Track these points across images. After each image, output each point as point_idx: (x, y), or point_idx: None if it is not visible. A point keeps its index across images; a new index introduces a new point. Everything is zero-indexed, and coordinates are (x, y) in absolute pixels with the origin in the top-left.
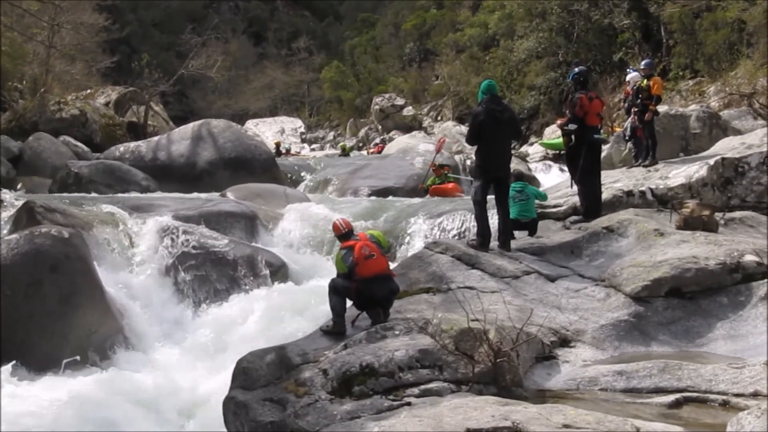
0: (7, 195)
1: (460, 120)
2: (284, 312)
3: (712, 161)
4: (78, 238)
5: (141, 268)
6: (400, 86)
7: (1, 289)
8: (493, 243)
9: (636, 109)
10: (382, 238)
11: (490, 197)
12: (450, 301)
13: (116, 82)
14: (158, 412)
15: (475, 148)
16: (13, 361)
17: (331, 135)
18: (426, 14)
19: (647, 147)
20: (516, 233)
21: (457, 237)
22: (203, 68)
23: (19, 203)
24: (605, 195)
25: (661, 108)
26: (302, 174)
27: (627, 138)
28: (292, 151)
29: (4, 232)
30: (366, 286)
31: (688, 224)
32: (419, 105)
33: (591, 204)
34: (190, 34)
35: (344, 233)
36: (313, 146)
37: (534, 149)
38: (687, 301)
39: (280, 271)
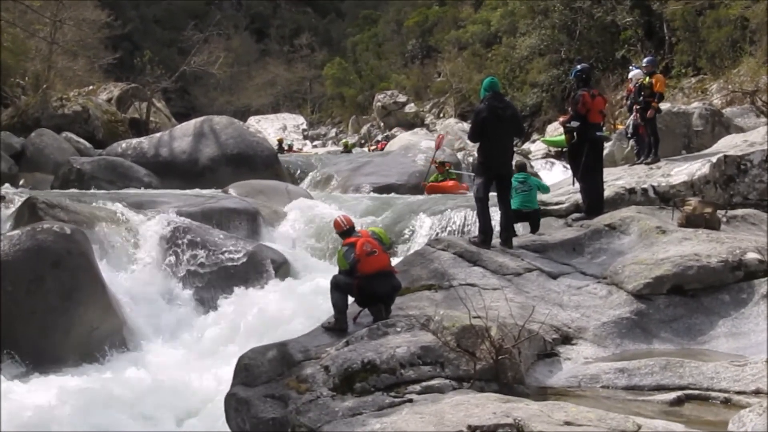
0: (9, 191)
1: (462, 117)
2: (286, 309)
3: (714, 159)
4: (80, 234)
5: (143, 265)
6: (403, 83)
7: (2, 285)
8: (495, 240)
9: (638, 107)
10: (383, 235)
11: (493, 194)
12: (452, 298)
13: (118, 78)
14: (160, 408)
15: (477, 145)
16: (15, 358)
17: (333, 132)
18: (428, 11)
19: (649, 144)
20: (518, 230)
21: (459, 234)
22: (205, 65)
23: (22, 199)
24: (607, 192)
25: (664, 105)
26: (304, 171)
27: (629, 135)
28: (294, 148)
29: (7, 227)
30: (368, 282)
31: (690, 222)
32: (421, 102)
33: (593, 201)
34: (192, 31)
35: (346, 230)
36: (315, 143)
37: (536, 146)
38: (689, 299)
39: (281, 268)
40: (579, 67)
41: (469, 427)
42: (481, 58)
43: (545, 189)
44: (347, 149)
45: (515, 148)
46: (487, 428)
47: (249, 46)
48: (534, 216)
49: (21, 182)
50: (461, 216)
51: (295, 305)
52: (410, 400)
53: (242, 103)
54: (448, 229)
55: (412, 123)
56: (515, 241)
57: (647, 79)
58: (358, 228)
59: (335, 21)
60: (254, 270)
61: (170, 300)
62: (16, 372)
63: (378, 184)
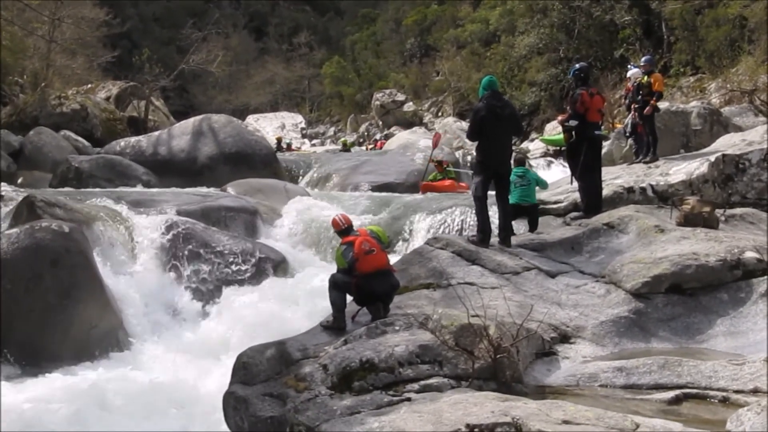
0: (8, 189)
1: (460, 116)
2: (284, 307)
3: (712, 158)
4: (78, 232)
5: (141, 263)
6: (401, 82)
7: (1, 283)
8: (494, 239)
9: (636, 106)
10: (382, 234)
11: (491, 193)
12: (450, 297)
13: (117, 76)
14: (158, 407)
15: (475, 143)
16: (13, 356)
17: (331, 130)
18: (427, 10)
19: (648, 143)
20: (516, 229)
21: (458, 233)
22: (204, 63)
23: (20, 198)
24: (606, 191)
25: (662, 105)
26: (303, 169)
27: (628, 134)
28: (293, 147)
29: (4, 225)
30: (366, 281)
31: (689, 221)
32: (420, 101)
33: (591, 200)
34: (190, 29)
35: (344, 229)
36: (314, 142)
37: (535, 145)
38: (687, 298)
39: (280, 266)
40: (577, 66)
41: (468, 425)
42: (479, 57)
43: (543, 184)
44: (346, 148)
45: (514, 147)
46: (485, 427)
47: (248, 45)
48: (532, 210)
49: (19, 180)
50: (460, 215)
51: (293, 304)
52: (408, 399)
53: (241, 101)
54: (444, 227)
55: (410, 122)
56: (514, 240)
57: (645, 78)
58: (356, 227)
59: (334, 19)
60: (252, 268)
61: (168, 298)
62: (14, 370)
63: (376, 183)
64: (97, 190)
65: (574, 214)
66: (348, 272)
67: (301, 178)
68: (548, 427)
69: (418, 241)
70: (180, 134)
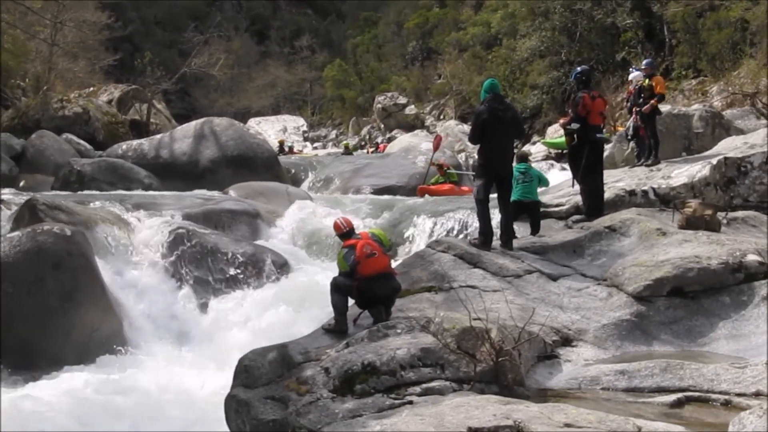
0: (8, 194)
1: (462, 119)
2: (286, 310)
3: (714, 161)
4: (80, 235)
5: (143, 266)
6: (403, 85)
7: (2, 286)
8: (496, 242)
9: (638, 109)
10: (383, 237)
11: (493, 196)
12: (452, 300)
13: (119, 79)
14: (160, 410)
15: (477, 147)
16: (15, 359)
17: (333, 133)
18: (428, 13)
19: (650, 146)
20: (518, 232)
21: (460, 236)
22: (206, 66)
23: (21, 202)
24: (607, 194)
25: (664, 107)
26: (305, 172)
27: (629, 137)
28: (295, 150)
29: (7, 228)
30: (367, 284)
31: (691, 224)
32: (421, 104)
33: (593, 203)
34: (192, 32)
35: (345, 232)
36: (316, 145)
37: (536, 148)
38: (689, 301)
39: (281, 269)
40: (579, 69)
41: (470, 428)
42: (481, 60)
43: (545, 182)
44: (348, 151)
45: (515, 150)
46: (487, 430)
47: (249, 48)
48: (534, 208)
49: (21, 183)
50: (461, 217)
51: (295, 307)
52: (410, 402)
53: (242, 104)
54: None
55: (412, 125)
56: (515, 243)
57: (647, 81)
58: (357, 230)
59: (336, 23)
60: (254, 271)
61: (170, 301)
62: (16, 373)
63: (378, 186)
64: (99, 193)
65: (575, 217)
66: (350, 275)
67: (303, 181)
68: (550, 430)
69: (419, 245)
70: (182, 137)
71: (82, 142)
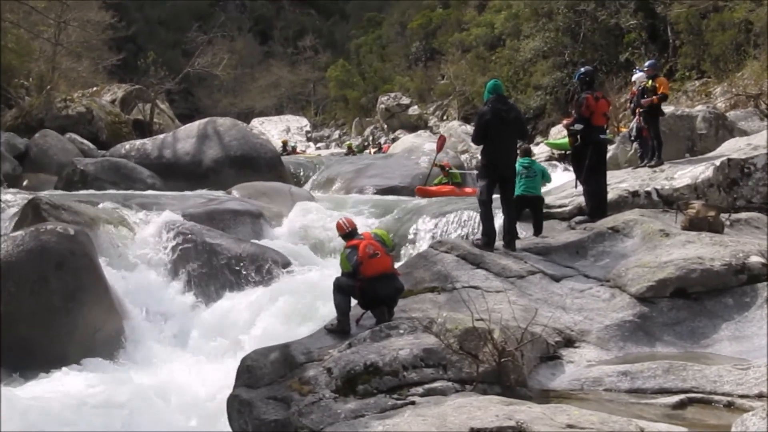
0: (8, 196)
1: (465, 119)
2: (288, 310)
3: (718, 162)
4: (83, 235)
5: (146, 266)
6: (406, 85)
7: (5, 285)
8: (498, 243)
9: (641, 110)
10: (386, 237)
11: (496, 196)
12: (455, 301)
13: (122, 79)
14: (162, 410)
15: (480, 147)
16: (18, 358)
17: (336, 134)
18: (432, 14)
19: (653, 147)
20: (520, 233)
21: (463, 237)
22: (209, 66)
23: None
24: (611, 195)
25: (668, 108)
26: (308, 173)
27: (633, 138)
28: (298, 150)
29: (11, 227)
30: (370, 285)
31: (694, 225)
32: (425, 104)
33: (596, 204)
34: (196, 32)
35: (348, 232)
36: (319, 145)
37: (539, 149)
38: (692, 302)
39: (284, 269)
40: (582, 69)
41: (472, 429)
42: (484, 61)
43: (548, 177)
44: (351, 151)
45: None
46: (489, 431)
47: (253, 48)
48: (537, 203)
49: (24, 183)
50: (464, 218)
51: (297, 306)
52: (413, 403)
53: (246, 104)
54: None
55: (415, 125)
56: (518, 244)
57: (650, 82)
58: (360, 230)
59: (339, 23)
60: (257, 271)
61: (173, 301)
62: (18, 372)
63: (381, 187)
64: (102, 192)
65: (578, 218)
66: (352, 276)
67: (306, 181)
68: (552, 431)
69: (422, 245)
70: (185, 137)
71: (85, 141)
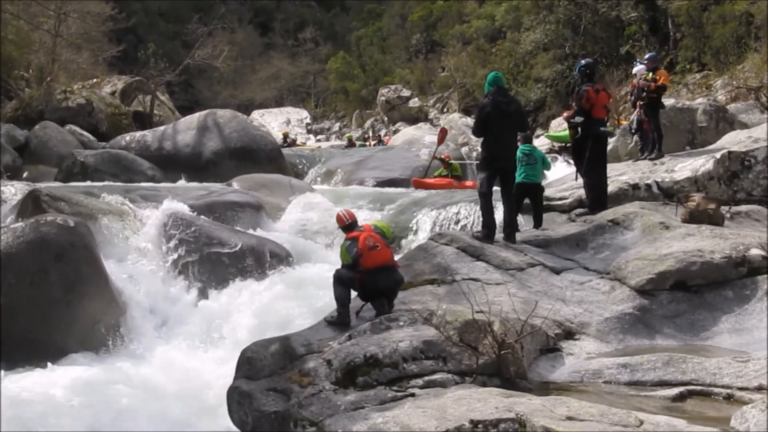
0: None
1: (466, 112)
2: (289, 302)
3: (718, 155)
4: (83, 226)
5: (146, 258)
6: (407, 78)
7: (5, 277)
8: (498, 235)
9: (642, 102)
10: (386, 229)
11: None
12: (454, 293)
13: (122, 71)
14: (162, 401)
15: (481, 140)
16: (17, 350)
17: (336, 126)
18: (433, 6)
19: (653, 140)
20: (521, 225)
21: (462, 229)
22: (209, 58)
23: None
24: (611, 188)
25: (668, 101)
26: (308, 165)
27: (633, 131)
28: (298, 142)
29: (10, 219)
30: (370, 277)
31: (694, 217)
32: (425, 97)
33: (596, 196)
34: (196, 24)
35: (348, 224)
36: (319, 137)
37: (540, 142)
38: (692, 295)
39: (284, 261)
40: (583, 62)
41: (472, 421)
42: (485, 53)
43: (548, 165)
44: (352, 143)
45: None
46: (489, 423)
47: (253, 40)
48: (537, 191)
49: (24, 175)
50: (464, 211)
51: (297, 299)
52: (412, 395)
53: (246, 96)
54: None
55: (415, 117)
56: (518, 236)
57: (650, 75)
58: (361, 222)
59: (339, 15)
60: (257, 263)
61: (173, 293)
62: (18, 363)
63: (381, 179)
64: (103, 184)
65: (579, 210)
66: (352, 268)
67: (306, 173)
68: (552, 424)
69: (422, 237)
70: (185, 129)
71: (85, 133)
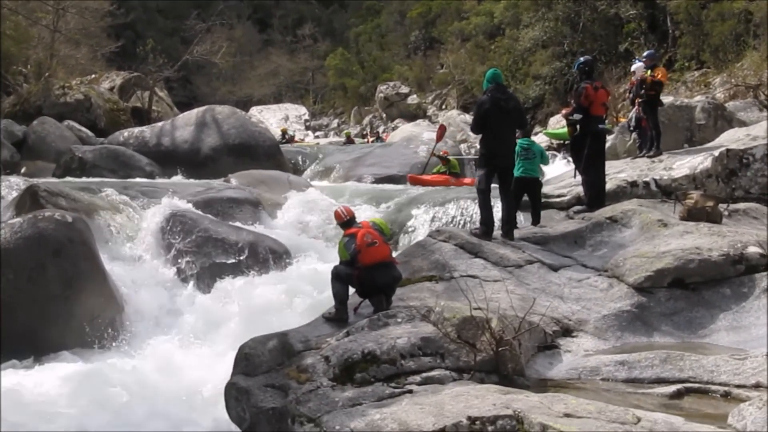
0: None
1: (464, 109)
2: (286, 298)
3: (716, 152)
4: (81, 222)
5: (144, 253)
6: (405, 74)
7: (3, 273)
8: (497, 232)
9: (640, 100)
10: (384, 226)
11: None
12: (452, 290)
13: (121, 67)
14: (159, 397)
15: (479, 136)
16: (15, 346)
17: (335, 122)
18: (431, 2)
19: (652, 138)
20: (519, 222)
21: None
22: (208, 54)
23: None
24: (609, 185)
25: (667, 99)
26: (306, 161)
27: (632, 128)
28: (296, 139)
29: (8, 215)
30: (368, 273)
31: (692, 215)
32: (424, 93)
33: (595, 194)
34: (195, 20)
35: (346, 221)
36: (318, 134)
37: (538, 139)
38: (690, 292)
39: (282, 257)
40: (582, 59)
41: (469, 417)
42: (484, 50)
43: (546, 159)
44: (350, 140)
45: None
46: (486, 419)
47: (251, 36)
48: (535, 185)
49: (23, 170)
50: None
51: (295, 294)
52: (410, 391)
53: (244, 93)
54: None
55: (414, 114)
56: (516, 233)
57: (648, 72)
58: (359, 219)
59: (338, 11)
60: (254, 259)
61: (171, 289)
62: (16, 359)
63: (380, 175)
64: (101, 180)
65: (577, 207)
66: (350, 264)
67: (304, 169)
68: (550, 420)
69: (420, 234)
70: (183, 125)
71: (83, 129)
